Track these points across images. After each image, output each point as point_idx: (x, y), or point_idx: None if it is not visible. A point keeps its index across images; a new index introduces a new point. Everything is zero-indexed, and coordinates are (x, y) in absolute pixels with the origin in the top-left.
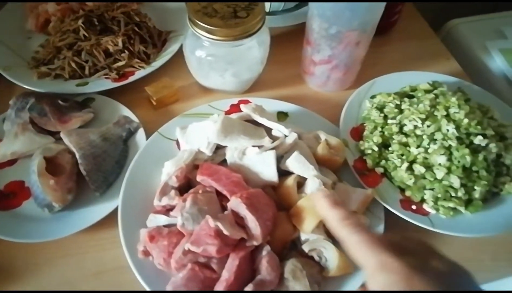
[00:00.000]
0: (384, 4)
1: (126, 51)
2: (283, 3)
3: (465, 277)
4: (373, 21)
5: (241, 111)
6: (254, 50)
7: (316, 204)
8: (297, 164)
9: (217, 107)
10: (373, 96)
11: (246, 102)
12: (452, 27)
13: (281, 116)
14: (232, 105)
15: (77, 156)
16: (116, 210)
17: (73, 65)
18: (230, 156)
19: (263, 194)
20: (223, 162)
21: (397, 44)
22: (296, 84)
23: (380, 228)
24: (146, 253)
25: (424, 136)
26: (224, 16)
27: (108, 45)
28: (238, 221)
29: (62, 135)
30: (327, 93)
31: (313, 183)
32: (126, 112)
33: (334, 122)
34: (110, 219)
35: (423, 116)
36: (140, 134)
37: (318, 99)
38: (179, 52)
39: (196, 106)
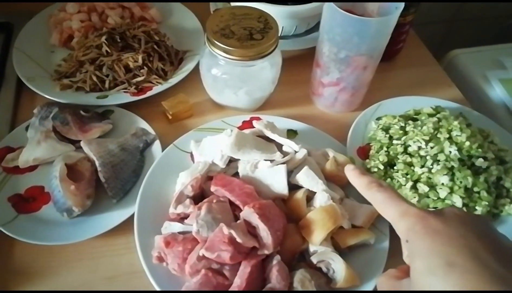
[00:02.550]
0: (390, 32)
1: (145, 67)
2: (294, 28)
3: (483, 220)
4: (380, 47)
5: (253, 127)
6: (266, 70)
7: (347, 174)
8: (306, 178)
9: (229, 123)
10: (378, 118)
11: (257, 119)
12: (454, 57)
13: (291, 134)
14: (244, 122)
15: (97, 163)
16: (131, 217)
17: (95, 78)
18: (243, 169)
19: (274, 205)
20: (235, 175)
21: (401, 71)
22: (305, 104)
23: (385, 244)
24: (160, 258)
25: (428, 157)
26: (241, 38)
27: (129, 61)
28: (250, 230)
29: (82, 144)
30: (334, 114)
31: (322, 197)
32: (143, 124)
33: (341, 142)
34: (125, 225)
35: (427, 138)
36: (156, 146)
37: (325, 119)
38: (195, 71)
39: (210, 122)
